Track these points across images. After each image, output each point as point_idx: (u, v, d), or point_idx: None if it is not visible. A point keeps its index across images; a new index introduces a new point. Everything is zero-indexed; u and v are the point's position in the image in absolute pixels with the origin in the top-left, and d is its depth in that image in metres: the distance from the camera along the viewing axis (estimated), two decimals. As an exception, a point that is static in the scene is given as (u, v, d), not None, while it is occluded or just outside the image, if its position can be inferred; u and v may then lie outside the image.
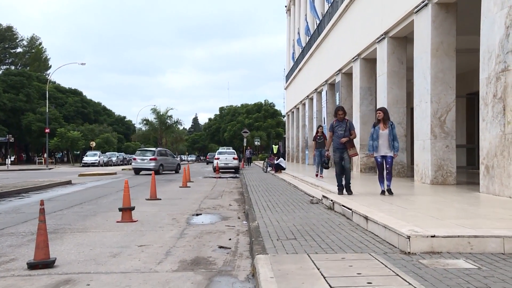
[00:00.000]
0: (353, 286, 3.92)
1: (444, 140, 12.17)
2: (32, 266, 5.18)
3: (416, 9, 12.97)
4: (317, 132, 17.01)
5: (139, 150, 30.37)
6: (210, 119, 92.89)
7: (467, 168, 20.04)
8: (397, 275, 4.21)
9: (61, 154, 49.31)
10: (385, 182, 9.54)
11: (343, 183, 9.95)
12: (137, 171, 28.77)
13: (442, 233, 5.23)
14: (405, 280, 4.03)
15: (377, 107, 9.69)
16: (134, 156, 29.72)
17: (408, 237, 5.15)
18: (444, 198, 9.16)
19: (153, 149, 30.24)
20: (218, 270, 5.18)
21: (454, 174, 12.19)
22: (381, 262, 4.68)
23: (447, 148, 12.16)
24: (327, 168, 11.45)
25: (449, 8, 12.12)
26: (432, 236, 5.15)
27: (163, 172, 28.94)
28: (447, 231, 5.38)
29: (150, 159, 28.07)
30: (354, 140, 10.09)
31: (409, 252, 5.10)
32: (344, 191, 9.94)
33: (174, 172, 30.14)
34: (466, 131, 21.11)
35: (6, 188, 15.32)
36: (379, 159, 9.56)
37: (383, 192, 9.53)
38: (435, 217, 6.50)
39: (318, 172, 16.44)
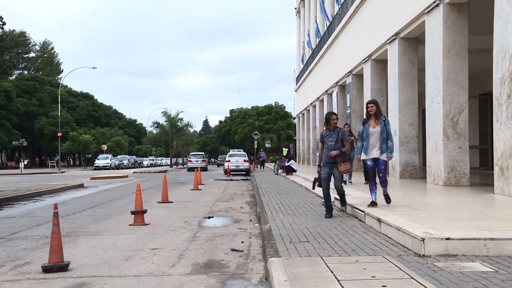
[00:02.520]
0: (367, 289, 3.88)
1: (456, 141, 12.05)
2: (46, 269, 5.23)
3: (427, 10, 12.87)
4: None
5: (192, 154, 44.07)
6: (220, 122, 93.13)
7: (480, 169, 19.83)
8: (412, 278, 4.17)
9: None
10: (381, 189, 7.98)
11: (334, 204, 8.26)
12: (192, 169, 36.68)
13: (457, 236, 5.17)
14: (421, 284, 3.99)
15: (369, 100, 8.15)
16: (189, 159, 42.75)
17: (423, 240, 5.10)
18: (458, 200, 9.05)
19: (202, 153, 45.95)
20: (231, 273, 5.17)
21: (467, 176, 12.06)
22: (396, 265, 4.64)
23: (460, 149, 12.04)
24: (320, 186, 8.47)
25: (461, 8, 12.01)
26: (447, 239, 5.10)
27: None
28: (462, 233, 5.32)
29: (202, 160, 40.53)
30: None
31: (423, 255, 5.05)
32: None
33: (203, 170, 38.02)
34: (479, 132, 20.90)
35: (20, 192, 15.48)
36: (369, 163, 7.92)
37: (373, 204, 7.87)
38: (449, 219, 6.43)
39: (347, 178, 13.44)
